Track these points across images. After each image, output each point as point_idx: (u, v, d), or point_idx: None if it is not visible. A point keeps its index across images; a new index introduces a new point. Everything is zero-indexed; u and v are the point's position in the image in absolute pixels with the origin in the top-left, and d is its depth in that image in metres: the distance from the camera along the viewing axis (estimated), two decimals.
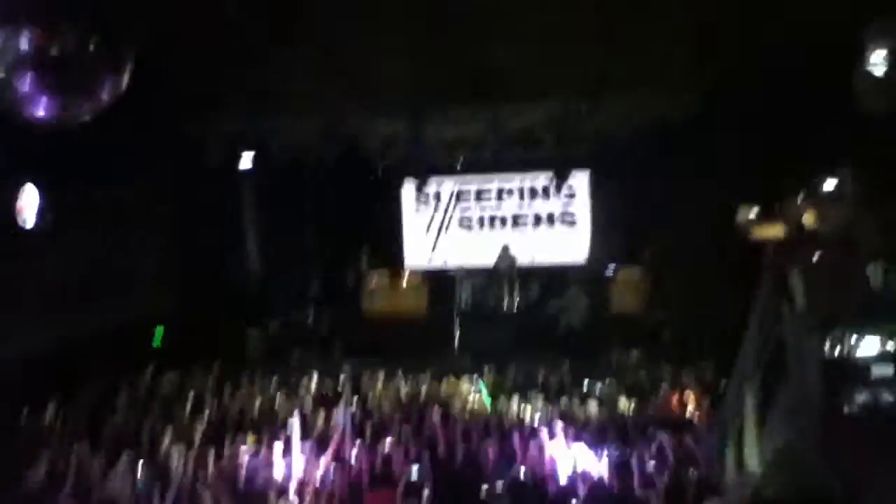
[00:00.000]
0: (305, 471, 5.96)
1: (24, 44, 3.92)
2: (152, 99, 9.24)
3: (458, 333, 12.24)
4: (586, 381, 9.00)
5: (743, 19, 7.53)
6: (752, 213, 5.58)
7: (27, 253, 9.45)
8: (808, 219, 5.73)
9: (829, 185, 5.74)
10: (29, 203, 9.43)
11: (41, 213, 9.50)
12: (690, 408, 7.99)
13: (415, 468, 5.94)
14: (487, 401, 8.43)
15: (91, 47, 4.04)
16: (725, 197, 6.25)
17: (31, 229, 9.38)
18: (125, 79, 4.50)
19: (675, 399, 8.30)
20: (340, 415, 7.25)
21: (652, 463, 6.11)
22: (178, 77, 9.04)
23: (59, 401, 7.91)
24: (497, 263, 13.49)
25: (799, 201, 5.73)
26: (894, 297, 5.75)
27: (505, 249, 13.55)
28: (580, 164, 13.45)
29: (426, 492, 5.52)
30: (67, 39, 3.98)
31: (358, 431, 6.94)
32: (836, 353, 5.33)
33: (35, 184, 9.42)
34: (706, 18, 7.59)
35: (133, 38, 4.89)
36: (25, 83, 3.91)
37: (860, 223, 5.52)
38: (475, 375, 9.31)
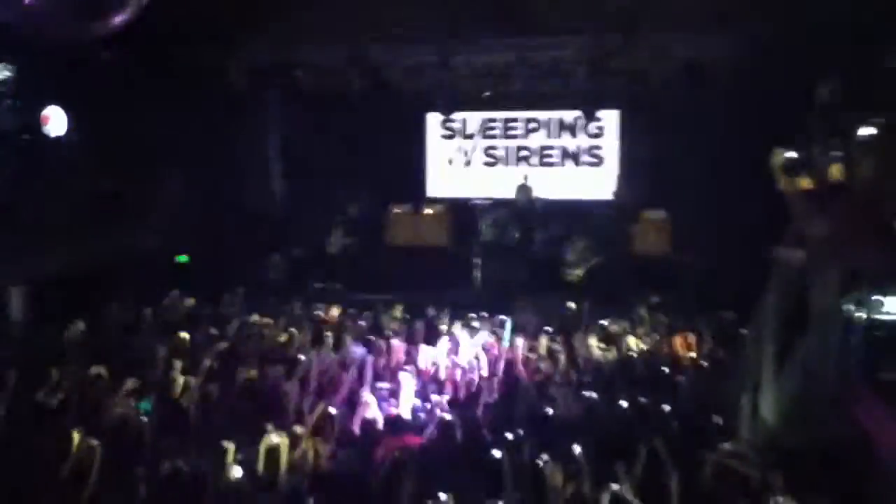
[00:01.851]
0: (317, 404, 5.95)
1: None
2: (176, 26, 9.20)
3: (478, 267, 12.28)
4: (602, 321, 8.97)
5: None
6: (782, 160, 5.41)
7: (54, 171, 9.57)
8: (835, 171, 5.56)
9: (860, 136, 5.56)
10: (56, 123, 9.52)
11: (68, 133, 9.60)
12: (705, 353, 7.99)
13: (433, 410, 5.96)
14: (507, 340, 8.45)
15: None
16: (757, 144, 6.11)
17: (59, 147, 9.49)
18: None
19: (691, 343, 8.30)
20: (357, 349, 7.31)
21: (665, 406, 6.13)
22: (202, 4, 8.89)
23: (82, 321, 8.07)
24: (517, 197, 13.40)
25: (828, 152, 5.56)
26: None
27: (524, 183, 13.44)
28: (610, 102, 13.20)
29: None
30: None
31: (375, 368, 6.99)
32: (862, 311, 5.28)
33: (62, 105, 9.48)
34: None
35: None
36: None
37: (890, 177, 5.37)
38: (501, 317, 9.32)
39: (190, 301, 9.58)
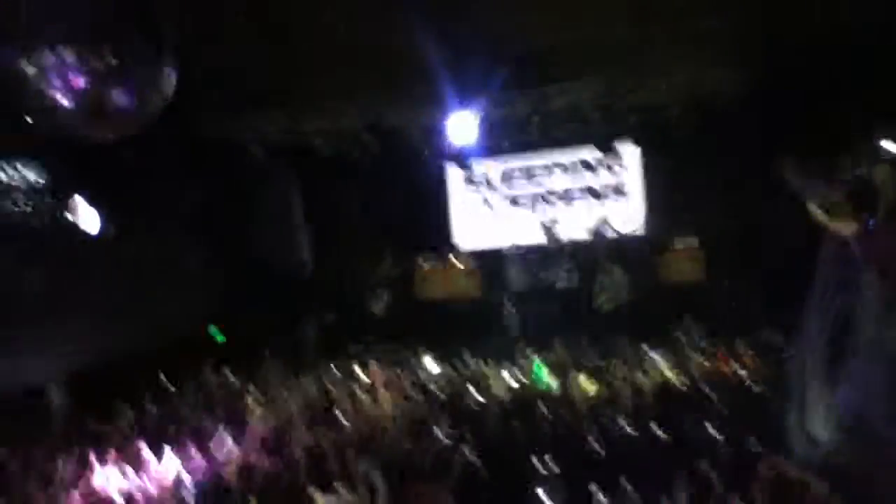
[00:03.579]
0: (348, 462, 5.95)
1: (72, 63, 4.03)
2: (197, 102, 9.47)
3: (511, 314, 12.27)
4: (641, 354, 8.91)
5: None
6: (824, 204, 5.22)
7: (83, 262, 9.75)
8: (879, 175, 5.35)
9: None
10: (82, 212, 9.75)
11: (94, 223, 9.82)
12: (749, 375, 7.88)
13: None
14: (542, 382, 8.42)
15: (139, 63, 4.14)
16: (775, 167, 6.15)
17: (85, 238, 9.69)
18: (170, 89, 4.60)
19: (733, 366, 8.20)
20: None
21: (712, 430, 6.04)
22: (221, 79, 9.17)
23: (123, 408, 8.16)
24: (547, 240, 13.45)
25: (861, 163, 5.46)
26: None
27: (552, 225, 13.50)
28: (628, 138, 13.27)
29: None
30: (115, 55, 4.08)
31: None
32: None
33: (86, 194, 9.72)
34: None
35: (175, 45, 4.98)
36: (75, 103, 4.03)
37: None
38: (533, 357, 9.29)
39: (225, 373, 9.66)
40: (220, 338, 11.85)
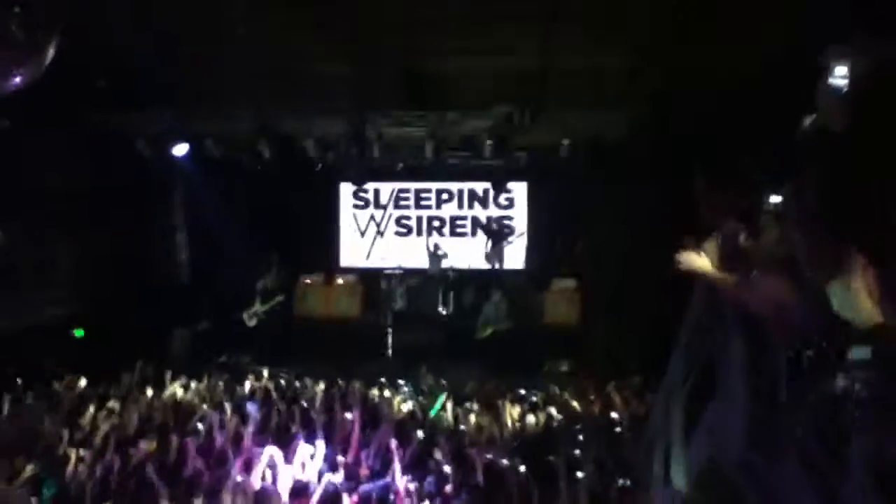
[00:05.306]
0: (215, 478, 5.72)
1: None
2: (78, 93, 9.00)
3: (391, 337, 12.20)
4: (516, 390, 8.99)
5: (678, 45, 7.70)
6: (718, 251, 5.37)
7: None
8: (763, 227, 5.59)
9: (768, 204, 5.72)
10: None
11: None
12: (617, 417, 8.06)
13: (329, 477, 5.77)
14: (435, 410, 8.33)
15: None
16: (660, 217, 6.38)
17: None
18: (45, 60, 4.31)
19: (602, 408, 8.37)
20: (253, 420, 7.06)
21: (579, 472, 6.12)
22: (106, 72, 8.74)
23: None
24: (430, 266, 13.50)
25: (733, 221, 5.71)
26: None
27: (436, 252, 13.58)
28: (519, 174, 13.53)
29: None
30: None
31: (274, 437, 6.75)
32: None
33: None
34: (641, 40, 7.76)
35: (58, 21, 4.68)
36: None
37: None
38: (438, 386, 9.22)
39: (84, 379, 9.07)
40: (79, 333, 11.16)
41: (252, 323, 12.47)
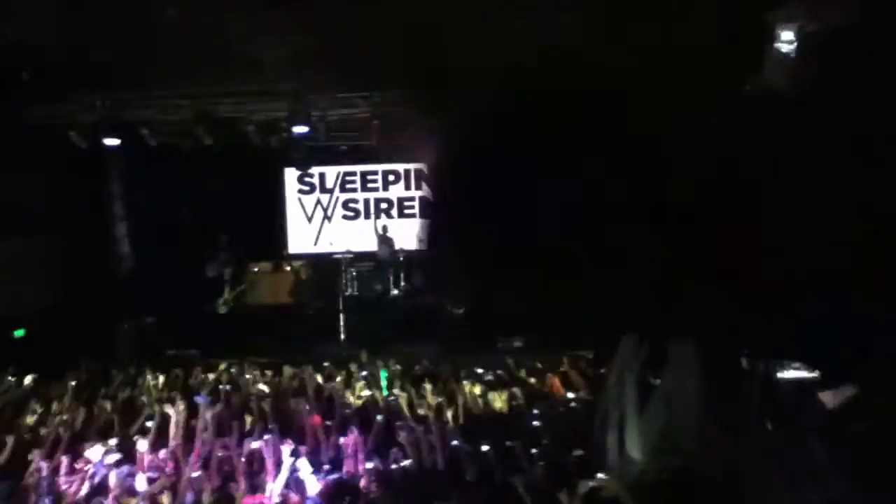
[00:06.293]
0: (167, 473, 5.59)
1: None
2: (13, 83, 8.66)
3: (342, 321, 12.09)
4: (467, 369, 8.95)
5: None
6: None
7: None
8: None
9: None
10: None
11: None
12: (572, 393, 8.09)
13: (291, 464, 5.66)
14: (384, 390, 8.25)
15: None
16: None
17: None
18: None
19: (556, 383, 8.40)
20: (206, 412, 6.89)
21: (533, 450, 6.10)
22: (42, 59, 8.38)
23: None
24: (379, 249, 13.38)
25: None
26: None
27: (385, 234, 13.46)
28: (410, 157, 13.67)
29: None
30: None
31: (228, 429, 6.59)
32: None
33: None
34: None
35: None
36: None
37: None
38: (378, 363, 9.11)
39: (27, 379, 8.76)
40: (19, 333, 10.76)
41: (223, 310, 12.36)
